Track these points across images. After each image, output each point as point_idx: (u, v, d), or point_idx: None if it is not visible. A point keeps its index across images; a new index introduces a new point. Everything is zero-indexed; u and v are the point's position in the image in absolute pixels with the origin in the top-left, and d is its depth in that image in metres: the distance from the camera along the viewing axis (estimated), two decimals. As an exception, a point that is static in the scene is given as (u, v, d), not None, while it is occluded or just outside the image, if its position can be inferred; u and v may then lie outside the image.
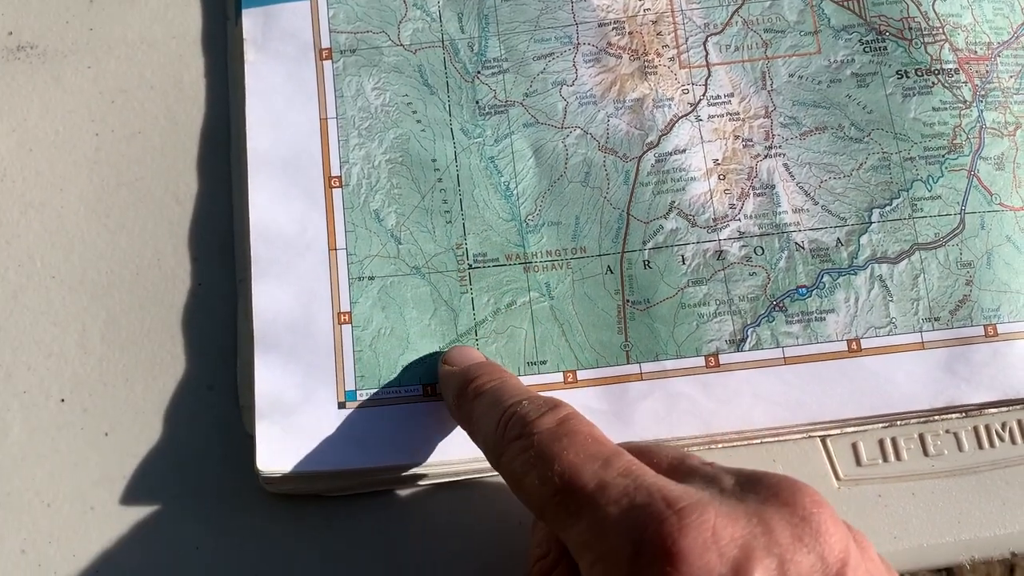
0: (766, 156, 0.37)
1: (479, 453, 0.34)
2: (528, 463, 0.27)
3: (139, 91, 0.40)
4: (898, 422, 0.36)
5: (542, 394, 0.30)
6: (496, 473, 0.35)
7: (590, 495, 0.25)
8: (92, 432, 0.36)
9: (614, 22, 0.39)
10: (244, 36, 0.39)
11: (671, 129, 0.38)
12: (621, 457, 0.27)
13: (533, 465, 0.27)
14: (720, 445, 0.35)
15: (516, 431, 0.28)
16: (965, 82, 0.38)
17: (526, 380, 0.36)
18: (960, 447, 0.36)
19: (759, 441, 0.36)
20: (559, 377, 0.36)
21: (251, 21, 0.39)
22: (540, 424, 0.28)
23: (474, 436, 0.31)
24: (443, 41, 0.39)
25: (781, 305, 0.36)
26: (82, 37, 0.40)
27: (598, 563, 0.25)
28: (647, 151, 0.38)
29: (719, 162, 0.37)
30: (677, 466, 0.28)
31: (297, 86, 0.38)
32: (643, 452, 0.29)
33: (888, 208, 0.37)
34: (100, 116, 0.39)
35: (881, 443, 0.36)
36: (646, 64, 0.38)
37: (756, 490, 0.25)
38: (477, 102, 0.38)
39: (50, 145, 0.39)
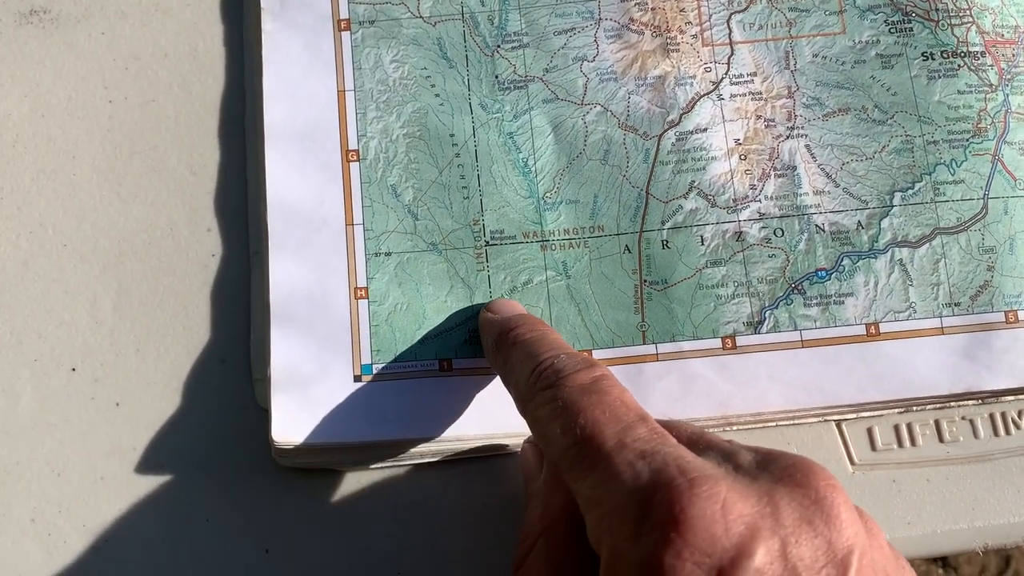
0: (788, 137, 0.37)
1: (493, 430, 0.34)
2: (554, 412, 0.28)
3: (153, 59, 0.39)
4: (914, 408, 0.36)
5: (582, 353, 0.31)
6: (510, 451, 0.35)
7: (608, 451, 0.26)
8: (103, 402, 0.36)
9: (636, -2, 0.38)
10: (261, 5, 0.38)
11: (692, 108, 0.37)
12: (646, 422, 0.27)
13: (558, 415, 0.27)
14: (735, 427, 0.35)
15: (549, 380, 0.29)
16: (991, 65, 0.37)
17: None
18: (976, 434, 0.36)
19: (774, 424, 0.35)
20: (575, 356, 0.35)
21: (268, -10, 0.38)
22: (574, 379, 0.28)
23: (506, 381, 0.32)
24: (463, 14, 0.38)
25: (800, 288, 0.36)
26: (96, 3, 0.39)
27: (605, 519, 0.25)
28: (668, 129, 0.37)
29: (740, 142, 0.37)
30: (696, 440, 0.28)
31: (314, 57, 0.38)
32: (663, 426, 0.29)
33: (910, 191, 0.36)
34: (113, 83, 0.39)
35: (896, 428, 0.36)
36: (668, 41, 0.38)
37: (771, 469, 0.25)
38: (496, 76, 0.38)
39: (63, 111, 0.38)
